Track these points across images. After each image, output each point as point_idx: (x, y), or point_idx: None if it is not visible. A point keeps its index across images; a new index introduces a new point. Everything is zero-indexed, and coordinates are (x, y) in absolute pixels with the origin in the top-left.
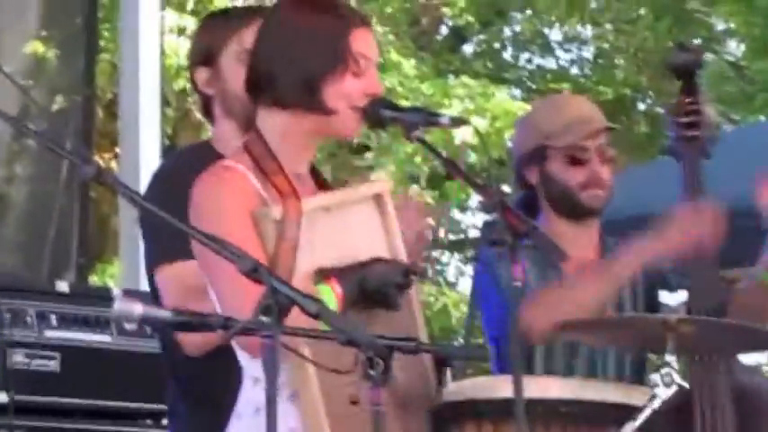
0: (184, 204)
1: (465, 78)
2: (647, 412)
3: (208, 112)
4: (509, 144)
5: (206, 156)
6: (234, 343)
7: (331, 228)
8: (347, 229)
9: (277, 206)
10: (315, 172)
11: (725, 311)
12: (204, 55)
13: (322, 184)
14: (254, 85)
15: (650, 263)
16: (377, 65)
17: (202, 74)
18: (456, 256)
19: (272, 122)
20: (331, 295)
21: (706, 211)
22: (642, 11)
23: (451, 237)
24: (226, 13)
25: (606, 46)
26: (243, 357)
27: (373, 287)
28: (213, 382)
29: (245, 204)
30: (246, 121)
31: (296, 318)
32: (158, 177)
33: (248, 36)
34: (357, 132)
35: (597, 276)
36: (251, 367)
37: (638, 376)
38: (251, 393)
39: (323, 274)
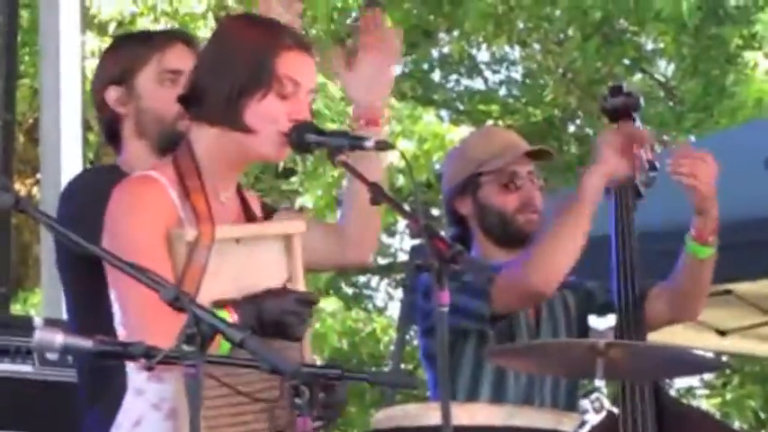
0: (98, 225)
1: (392, 100)
2: None
3: (113, 133)
4: (437, 167)
5: (115, 177)
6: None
7: (238, 259)
8: (252, 263)
9: (191, 229)
10: (242, 196)
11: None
12: (119, 74)
13: (247, 209)
14: (185, 99)
15: (607, 182)
16: (310, 91)
17: (114, 92)
18: (385, 280)
19: (202, 138)
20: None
21: (630, 134)
22: (570, 31)
23: (380, 260)
24: (144, 34)
25: (534, 67)
26: (130, 368)
27: (271, 317)
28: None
29: (160, 219)
30: (159, 140)
31: None
32: (69, 199)
33: (170, 57)
34: (281, 155)
35: (570, 214)
36: (135, 379)
37: (572, 402)
38: (131, 405)
39: (219, 304)
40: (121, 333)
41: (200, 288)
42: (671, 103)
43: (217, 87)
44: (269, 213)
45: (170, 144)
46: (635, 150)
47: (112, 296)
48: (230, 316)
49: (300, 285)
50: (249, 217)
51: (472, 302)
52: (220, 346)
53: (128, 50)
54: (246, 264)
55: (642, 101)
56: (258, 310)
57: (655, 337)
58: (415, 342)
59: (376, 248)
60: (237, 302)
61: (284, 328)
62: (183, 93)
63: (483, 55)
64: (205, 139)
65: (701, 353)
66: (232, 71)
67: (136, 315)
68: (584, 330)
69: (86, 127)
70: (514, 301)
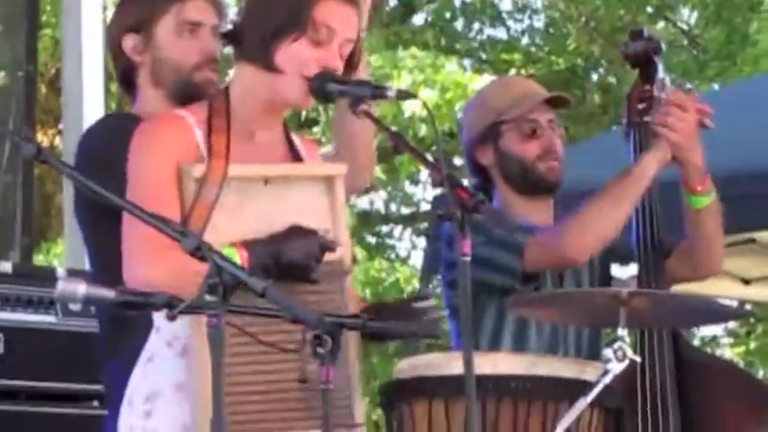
0: (116, 169)
1: (414, 50)
2: (599, 387)
3: (128, 80)
4: (459, 116)
5: (132, 124)
6: None
7: (265, 200)
8: (285, 204)
9: (199, 165)
10: (290, 139)
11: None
12: (137, 22)
13: (295, 152)
14: (230, 36)
15: (664, 162)
16: (346, 41)
17: (131, 40)
18: (408, 230)
19: (239, 78)
20: (234, 258)
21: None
22: None
23: (403, 210)
24: None
25: (557, 15)
26: None
27: (290, 259)
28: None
29: (173, 156)
30: (176, 90)
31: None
32: (87, 143)
33: (189, 8)
34: (306, 102)
35: (618, 188)
36: (156, 315)
37: (595, 351)
38: (149, 341)
39: (234, 245)
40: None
41: (217, 226)
42: (694, 52)
43: (254, 26)
44: None
45: (186, 94)
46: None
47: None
48: (238, 254)
49: (342, 230)
50: (295, 160)
51: (506, 257)
52: None
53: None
54: (276, 206)
55: (663, 45)
56: (275, 250)
57: (678, 286)
58: (438, 291)
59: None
60: (249, 242)
61: (302, 271)
62: (226, 30)
63: (505, 4)
64: (241, 78)
65: (724, 301)
66: (270, 11)
67: (136, 246)
68: (606, 281)
69: (108, 77)
70: (546, 264)
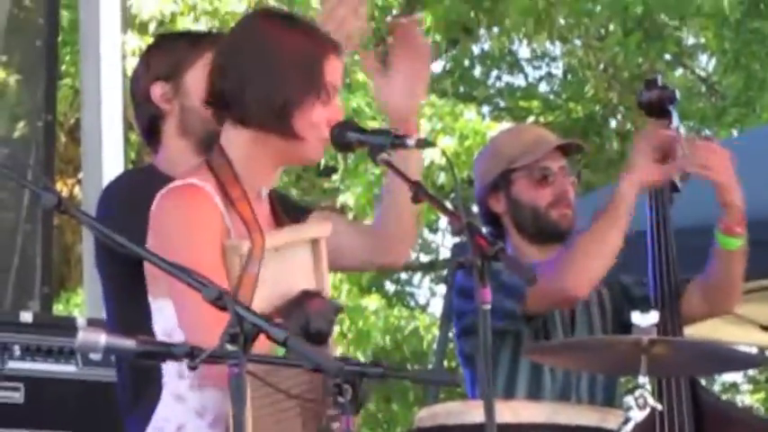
0: (141, 227)
1: (433, 98)
2: None
3: (153, 130)
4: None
5: (152, 178)
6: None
7: (275, 266)
8: (287, 268)
9: (245, 241)
10: (270, 198)
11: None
12: (167, 70)
13: (273, 209)
14: (219, 101)
15: (641, 184)
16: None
17: (159, 88)
18: (427, 277)
19: (237, 141)
20: None
21: (663, 138)
22: (611, 26)
23: (422, 257)
24: (193, 33)
25: (575, 62)
26: (169, 374)
27: (317, 326)
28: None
29: (213, 227)
30: (203, 140)
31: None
32: (111, 201)
33: None
34: (319, 158)
35: (605, 219)
36: (176, 386)
37: (610, 398)
38: (171, 410)
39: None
40: (179, 336)
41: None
42: (712, 99)
43: (263, 92)
44: (291, 208)
45: (212, 144)
46: (670, 155)
47: (158, 301)
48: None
49: (327, 288)
50: (276, 217)
51: (506, 302)
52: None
53: (177, 48)
54: (282, 270)
55: (677, 94)
56: (304, 318)
57: (697, 332)
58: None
59: (410, 252)
60: (281, 309)
61: (323, 335)
62: (212, 93)
63: (524, 51)
64: (240, 142)
65: (744, 348)
66: (284, 77)
67: (194, 315)
68: (620, 325)
69: (128, 126)
70: (547, 303)
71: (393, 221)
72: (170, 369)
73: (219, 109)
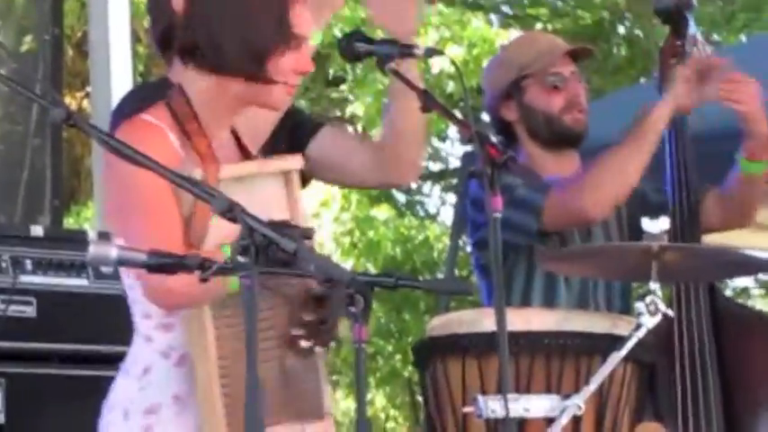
0: None
1: (441, 6)
2: (632, 342)
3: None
4: None
5: (165, 90)
6: (140, 295)
7: (240, 198)
8: (254, 200)
9: (197, 169)
10: (235, 135)
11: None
12: None
13: (243, 148)
14: (187, 49)
15: (675, 111)
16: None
17: None
18: (437, 186)
19: (200, 85)
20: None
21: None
22: None
23: (432, 166)
24: None
25: None
26: (138, 313)
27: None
28: None
29: (165, 161)
30: None
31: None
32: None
33: None
34: (283, 106)
35: (632, 140)
36: (144, 325)
37: (627, 306)
38: (140, 351)
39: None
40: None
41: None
42: (721, 3)
43: (237, 41)
44: (299, 125)
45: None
46: (704, 80)
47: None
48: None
49: (301, 220)
50: (246, 156)
51: (521, 217)
52: (230, 284)
53: None
54: (248, 201)
55: (694, 0)
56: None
57: (711, 237)
58: (469, 248)
59: (418, 170)
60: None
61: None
62: (183, 45)
63: None
64: (204, 86)
65: (755, 253)
66: (256, 26)
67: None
68: (637, 231)
69: (135, 38)
70: (564, 221)
71: (399, 134)
72: (136, 310)
73: (184, 55)
